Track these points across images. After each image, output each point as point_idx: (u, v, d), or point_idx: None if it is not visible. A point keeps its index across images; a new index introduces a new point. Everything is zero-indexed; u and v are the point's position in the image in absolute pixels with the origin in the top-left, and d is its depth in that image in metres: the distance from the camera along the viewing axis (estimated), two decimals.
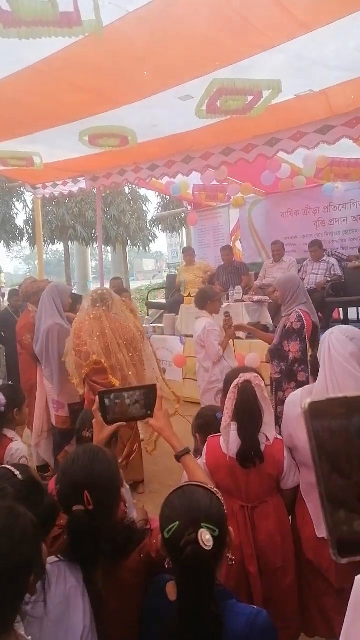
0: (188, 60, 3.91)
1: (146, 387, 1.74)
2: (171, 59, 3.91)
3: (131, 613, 1.43)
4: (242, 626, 1.23)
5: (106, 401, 1.71)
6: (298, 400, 1.97)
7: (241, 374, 2.02)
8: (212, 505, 1.28)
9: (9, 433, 2.64)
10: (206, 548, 1.19)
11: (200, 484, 1.35)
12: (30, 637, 1.13)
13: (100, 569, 1.43)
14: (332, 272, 6.88)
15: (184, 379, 6.69)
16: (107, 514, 1.43)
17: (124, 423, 1.75)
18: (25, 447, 2.67)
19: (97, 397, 1.74)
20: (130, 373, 3.77)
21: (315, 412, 0.64)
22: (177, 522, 1.24)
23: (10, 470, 1.57)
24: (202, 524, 1.22)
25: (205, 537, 1.20)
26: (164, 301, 9.76)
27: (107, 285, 8.40)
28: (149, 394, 1.71)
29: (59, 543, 1.55)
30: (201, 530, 1.21)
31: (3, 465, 1.62)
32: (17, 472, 1.55)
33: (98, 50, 3.64)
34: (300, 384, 3.58)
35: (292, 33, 3.55)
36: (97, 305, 3.82)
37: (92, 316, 3.77)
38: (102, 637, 1.34)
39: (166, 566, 1.33)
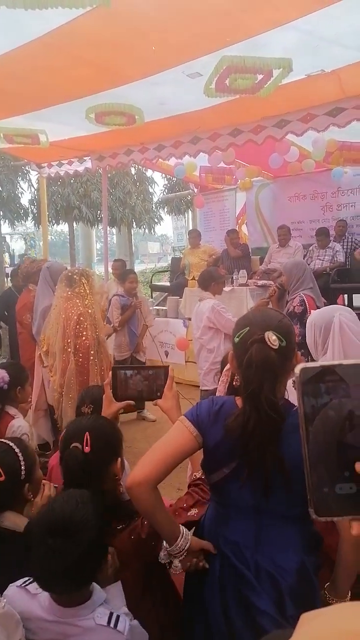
0: (198, 35, 3.80)
1: (158, 368, 1.76)
2: (180, 34, 3.81)
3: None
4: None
5: (118, 377, 1.72)
6: None
7: None
8: (283, 320, 1.36)
9: (11, 410, 2.64)
10: (272, 346, 1.26)
11: None
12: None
13: None
14: (335, 259, 6.86)
15: (186, 362, 6.68)
16: (100, 463, 1.49)
17: (132, 402, 1.76)
18: (27, 425, 2.67)
19: (110, 371, 1.77)
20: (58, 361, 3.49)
21: (307, 379, 0.63)
22: (248, 328, 1.32)
23: (10, 446, 1.62)
24: (271, 330, 1.28)
25: (272, 337, 1.27)
26: (168, 284, 9.72)
27: (109, 267, 8.36)
28: (160, 375, 1.72)
29: None
30: (268, 332, 1.28)
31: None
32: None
33: (106, 23, 3.55)
34: None
35: (305, 8, 3.45)
36: (63, 285, 3.61)
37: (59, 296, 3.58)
38: None
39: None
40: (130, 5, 3.37)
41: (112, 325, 5.00)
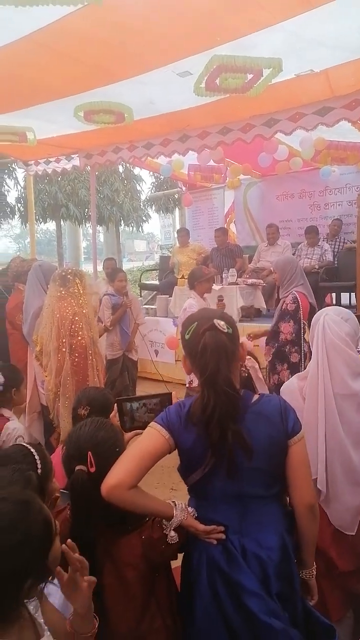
0: (188, 34, 3.81)
1: (162, 395, 1.82)
2: (171, 33, 3.81)
3: (129, 591, 1.45)
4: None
5: (124, 410, 1.75)
6: (295, 387, 1.97)
7: None
8: (224, 313, 1.48)
9: (6, 413, 2.63)
10: (223, 329, 1.38)
11: None
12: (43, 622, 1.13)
13: (100, 545, 1.44)
14: (324, 258, 6.91)
15: (176, 360, 6.69)
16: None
17: (140, 430, 1.78)
18: (22, 427, 2.66)
19: (115, 405, 1.80)
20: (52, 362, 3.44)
21: None
22: (196, 322, 1.43)
23: (31, 451, 1.49)
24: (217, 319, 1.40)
25: (221, 323, 1.40)
26: (157, 282, 9.71)
27: (99, 266, 8.32)
28: (165, 402, 1.78)
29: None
30: (215, 319, 1.40)
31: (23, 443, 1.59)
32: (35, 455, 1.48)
33: (96, 22, 3.54)
34: (293, 366, 3.60)
35: (294, 10, 3.47)
36: (57, 285, 3.54)
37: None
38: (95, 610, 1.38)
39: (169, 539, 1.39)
40: (120, 4, 3.36)
41: (103, 324, 4.98)
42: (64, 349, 3.41)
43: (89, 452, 1.42)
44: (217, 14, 3.53)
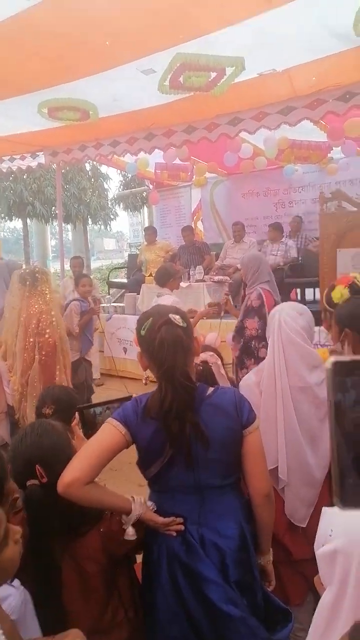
0: (151, 30, 3.81)
1: (124, 399, 1.81)
2: (134, 29, 3.80)
3: (90, 585, 1.45)
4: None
5: (87, 417, 1.74)
6: (252, 383, 2.01)
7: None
8: (178, 309, 1.51)
9: None
10: (178, 323, 1.41)
11: None
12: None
13: (57, 545, 1.44)
14: (288, 255, 7.03)
15: None
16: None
17: None
18: None
19: (76, 412, 1.76)
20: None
21: (338, 371, 0.65)
22: (151, 318, 1.44)
23: None
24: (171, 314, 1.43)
25: (176, 317, 1.42)
26: (125, 280, 9.68)
27: (67, 265, 8.23)
28: None
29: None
30: (170, 314, 1.43)
31: None
32: None
33: (58, 16, 3.50)
34: (261, 360, 3.65)
35: (256, 8, 3.51)
36: (23, 284, 3.48)
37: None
38: (55, 606, 1.37)
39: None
40: None
41: (71, 330, 4.86)
42: (30, 349, 3.37)
43: (37, 466, 1.38)
44: (182, 9, 3.53)
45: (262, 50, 4.18)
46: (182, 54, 3.96)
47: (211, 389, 1.52)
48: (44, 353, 3.43)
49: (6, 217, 16.14)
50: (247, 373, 3.73)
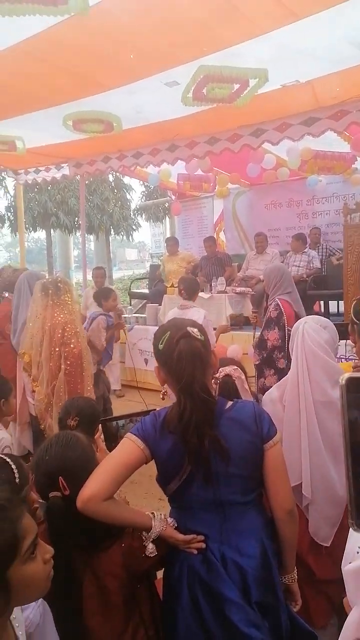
0: (175, 44, 3.86)
1: (146, 413, 1.81)
2: (158, 43, 3.86)
3: (110, 600, 1.43)
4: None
5: (110, 430, 1.74)
6: (275, 397, 1.98)
7: (221, 368, 2.02)
8: (195, 322, 1.49)
9: None
10: (197, 336, 1.40)
11: None
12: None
13: (78, 558, 1.42)
14: (312, 265, 6.96)
15: None
16: None
17: None
18: (9, 437, 2.61)
19: (99, 425, 1.77)
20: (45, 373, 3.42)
21: (352, 388, 0.62)
22: (168, 332, 1.42)
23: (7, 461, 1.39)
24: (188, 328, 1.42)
25: (194, 330, 1.41)
26: (146, 291, 9.70)
27: (89, 275, 8.29)
28: None
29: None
30: (188, 327, 1.42)
31: None
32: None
33: (83, 31, 3.57)
34: (279, 371, 3.63)
35: (279, 21, 3.52)
36: (47, 294, 3.48)
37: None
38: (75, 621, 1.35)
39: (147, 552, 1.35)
40: (107, 14, 3.39)
41: (98, 345, 4.79)
42: (56, 358, 3.39)
43: (60, 478, 1.38)
44: (205, 24, 3.57)
45: (285, 61, 4.19)
46: (205, 66, 3.98)
47: (230, 403, 1.49)
48: (69, 363, 3.44)
49: (31, 228, 16.42)
50: (264, 382, 3.73)
